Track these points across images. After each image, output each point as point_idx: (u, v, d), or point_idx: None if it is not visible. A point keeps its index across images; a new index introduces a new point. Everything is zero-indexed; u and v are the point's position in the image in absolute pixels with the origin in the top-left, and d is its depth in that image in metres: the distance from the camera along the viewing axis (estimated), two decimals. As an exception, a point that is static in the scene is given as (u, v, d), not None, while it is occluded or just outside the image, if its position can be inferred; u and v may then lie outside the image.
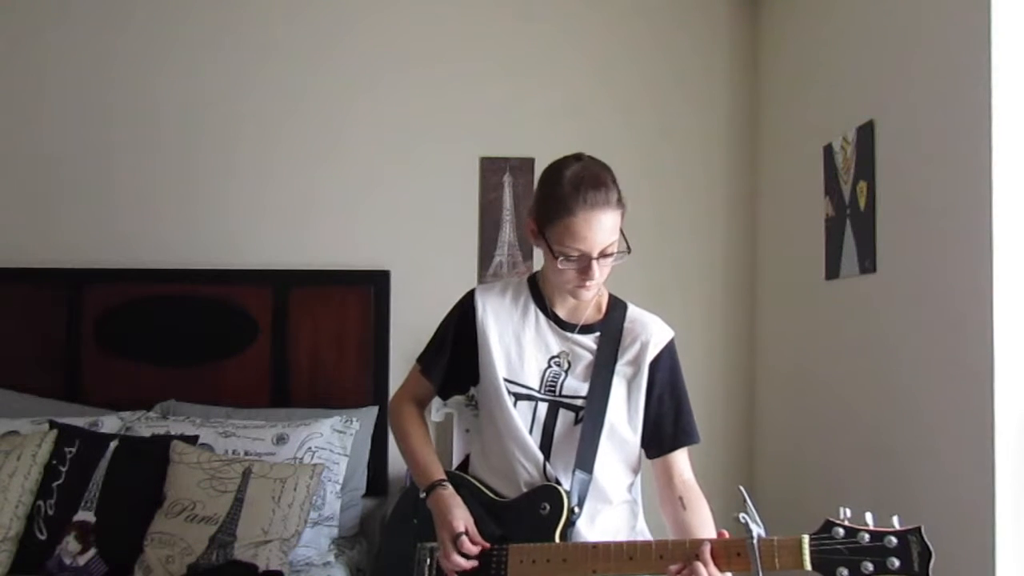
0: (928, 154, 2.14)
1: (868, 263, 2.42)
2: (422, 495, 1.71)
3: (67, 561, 2.40)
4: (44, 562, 2.42)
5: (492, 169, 3.32)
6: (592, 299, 1.75)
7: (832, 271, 2.67)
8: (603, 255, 1.62)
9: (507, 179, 3.32)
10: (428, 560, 1.70)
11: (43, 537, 2.47)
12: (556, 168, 1.65)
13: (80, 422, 2.79)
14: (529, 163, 3.32)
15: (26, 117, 3.33)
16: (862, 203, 2.46)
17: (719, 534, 1.48)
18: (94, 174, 3.31)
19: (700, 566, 1.41)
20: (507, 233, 3.31)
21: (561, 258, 1.62)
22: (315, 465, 2.64)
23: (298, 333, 3.19)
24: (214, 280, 3.20)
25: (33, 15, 3.34)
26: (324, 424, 2.86)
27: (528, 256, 3.32)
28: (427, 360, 1.83)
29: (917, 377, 2.18)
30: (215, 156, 3.33)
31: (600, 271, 1.63)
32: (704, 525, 1.62)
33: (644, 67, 3.39)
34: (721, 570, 1.42)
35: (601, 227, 1.58)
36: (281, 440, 2.78)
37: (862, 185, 2.46)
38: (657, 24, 3.40)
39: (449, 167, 3.30)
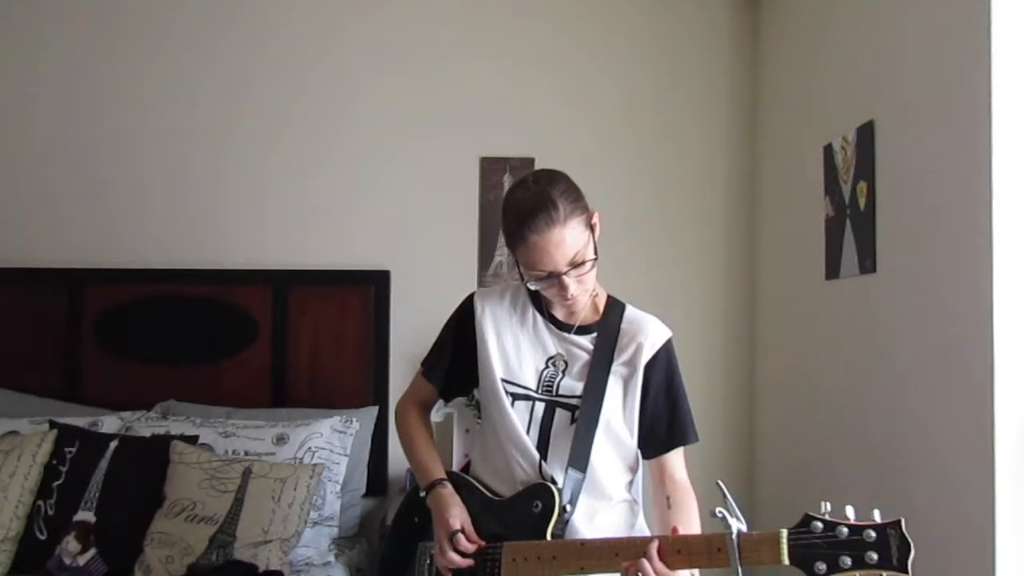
0: (928, 154, 2.14)
1: (868, 263, 2.42)
2: (422, 494, 1.74)
3: (67, 561, 2.40)
4: (44, 562, 2.42)
5: (492, 169, 3.32)
6: (586, 305, 1.76)
7: (832, 271, 2.67)
8: (573, 265, 1.61)
9: (507, 179, 3.32)
10: (428, 560, 1.72)
11: (43, 537, 2.47)
12: (507, 198, 1.68)
13: (80, 422, 2.79)
14: (529, 163, 3.32)
15: (26, 118, 3.33)
16: (862, 203, 2.45)
17: (672, 530, 1.51)
18: (94, 175, 3.31)
19: (644, 562, 1.44)
20: (507, 233, 3.30)
21: (531, 280, 1.66)
22: (315, 465, 2.64)
23: (298, 333, 3.19)
24: (214, 280, 3.20)
25: (32, 16, 3.34)
26: (324, 424, 2.86)
27: (528, 256, 3.32)
28: (429, 363, 1.86)
29: (917, 377, 2.18)
30: (215, 156, 3.33)
31: (576, 283, 1.63)
32: (687, 523, 1.63)
33: (644, 67, 3.39)
34: (696, 564, 1.44)
35: (555, 247, 1.59)
36: (281, 440, 2.78)
37: (862, 185, 2.46)
38: (657, 24, 3.40)
39: (449, 167, 3.30)
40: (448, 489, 1.70)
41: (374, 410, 3.06)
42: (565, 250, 1.59)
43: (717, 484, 1.44)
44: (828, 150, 2.70)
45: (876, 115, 2.40)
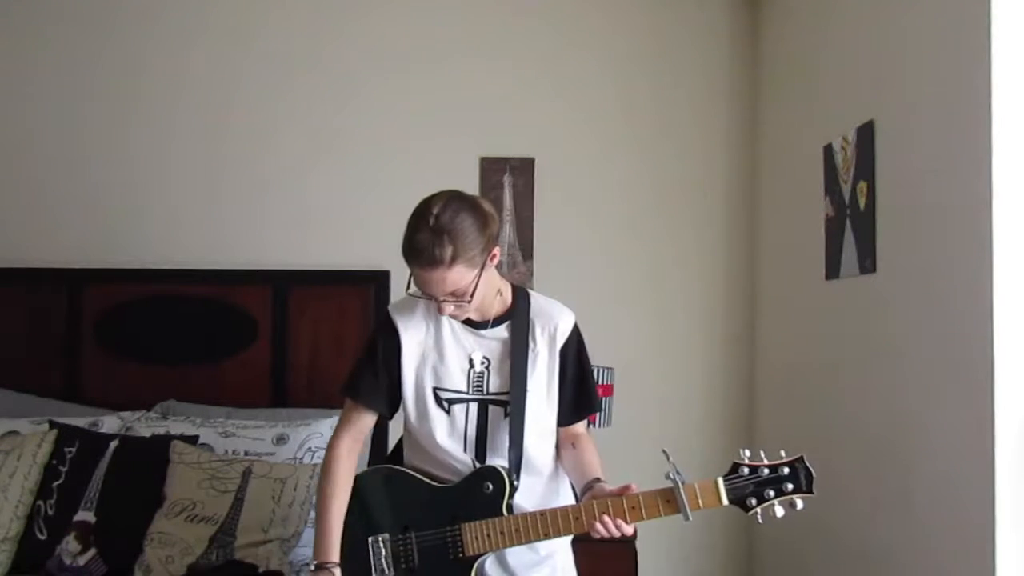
0: (928, 154, 2.14)
1: (868, 263, 2.42)
2: (311, 566, 1.78)
3: (67, 561, 2.40)
4: (44, 562, 2.41)
5: (492, 169, 3.33)
6: (491, 304, 1.84)
7: (832, 271, 2.67)
8: (454, 295, 1.70)
9: (507, 179, 3.33)
10: (384, 550, 1.79)
11: (43, 537, 2.47)
12: (410, 220, 1.72)
13: (80, 422, 2.78)
14: (529, 163, 3.32)
15: (25, 118, 3.33)
16: (862, 203, 2.46)
17: (628, 488, 1.68)
18: (94, 175, 3.31)
19: (608, 519, 1.66)
20: (507, 233, 3.31)
21: (415, 289, 1.73)
22: (315, 465, 2.63)
23: (298, 333, 3.19)
24: (214, 280, 3.20)
25: (30, 18, 3.34)
26: (324, 424, 2.86)
27: (528, 256, 3.32)
28: (362, 390, 1.87)
29: (917, 377, 2.18)
30: (215, 156, 3.33)
31: (454, 306, 1.73)
32: (593, 457, 1.86)
33: (644, 67, 3.39)
34: (651, 516, 1.66)
35: (435, 283, 1.68)
36: (281, 440, 2.78)
37: (862, 185, 2.46)
38: (657, 24, 3.40)
39: (449, 167, 3.30)
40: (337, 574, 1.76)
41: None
42: (444, 286, 1.68)
43: (663, 451, 1.68)
44: (828, 150, 2.70)
45: (876, 115, 2.40)
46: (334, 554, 1.77)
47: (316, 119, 3.34)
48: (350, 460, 1.85)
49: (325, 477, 1.83)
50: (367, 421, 1.89)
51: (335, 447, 1.86)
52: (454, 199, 1.72)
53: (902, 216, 2.27)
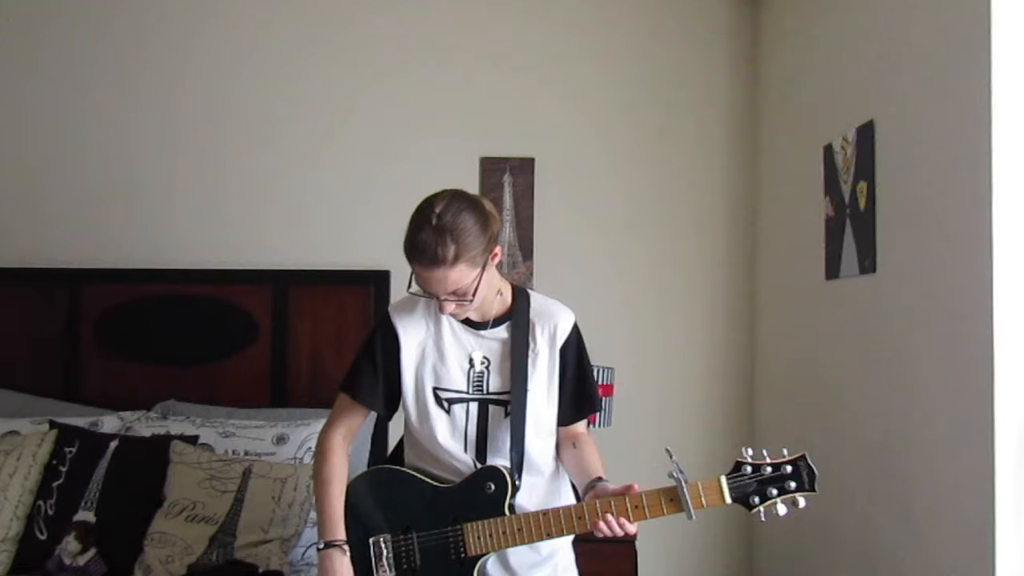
0: (928, 154, 2.14)
1: (868, 263, 2.42)
2: (320, 546, 1.79)
3: (67, 561, 2.40)
4: (44, 562, 2.42)
5: (492, 169, 3.33)
6: (491, 304, 1.84)
7: (832, 271, 2.67)
8: (455, 294, 1.71)
9: (507, 179, 3.33)
10: (385, 551, 1.79)
11: (43, 537, 2.47)
12: (412, 218, 1.72)
13: (80, 422, 2.79)
14: (529, 163, 3.32)
15: (25, 118, 3.34)
16: (862, 203, 2.46)
17: (630, 487, 1.68)
18: (94, 175, 3.32)
19: (611, 517, 1.66)
20: (507, 233, 3.31)
21: (416, 287, 1.74)
22: (315, 465, 2.64)
23: (298, 333, 3.20)
24: (214, 280, 3.20)
25: (30, 21, 3.34)
26: (324, 424, 2.85)
27: (528, 256, 3.32)
28: (360, 388, 1.88)
29: (917, 377, 2.18)
30: (214, 156, 3.33)
31: (455, 304, 1.73)
32: (594, 456, 1.86)
33: (644, 67, 3.39)
34: (654, 515, 1.66)
35: (437, 282, 1.68)
36: (281, 440, 2.78)
37: (862, 185, 2.46)
38: (657, 25, 3.40)
39: (449, 167, 3.30)
40: (346, 557, 1.76)
41: (373, 411, 3.06)
42: (446, 285, 1.69)
43: (666, 450, 1.69)
44: (828, 150, 2.70)
45: (876, 115, 2.40)
46: (340, 532, 1.78)
47: (316, 119, 3.34)
48: (344, 449, 1.88)
49: (322, 462, 1.85)
50: (360, 419, 1.92)
51: (329, 436, 1.89)
52: (456, 198, 1.73)
53: (902, 216, 2.27)
